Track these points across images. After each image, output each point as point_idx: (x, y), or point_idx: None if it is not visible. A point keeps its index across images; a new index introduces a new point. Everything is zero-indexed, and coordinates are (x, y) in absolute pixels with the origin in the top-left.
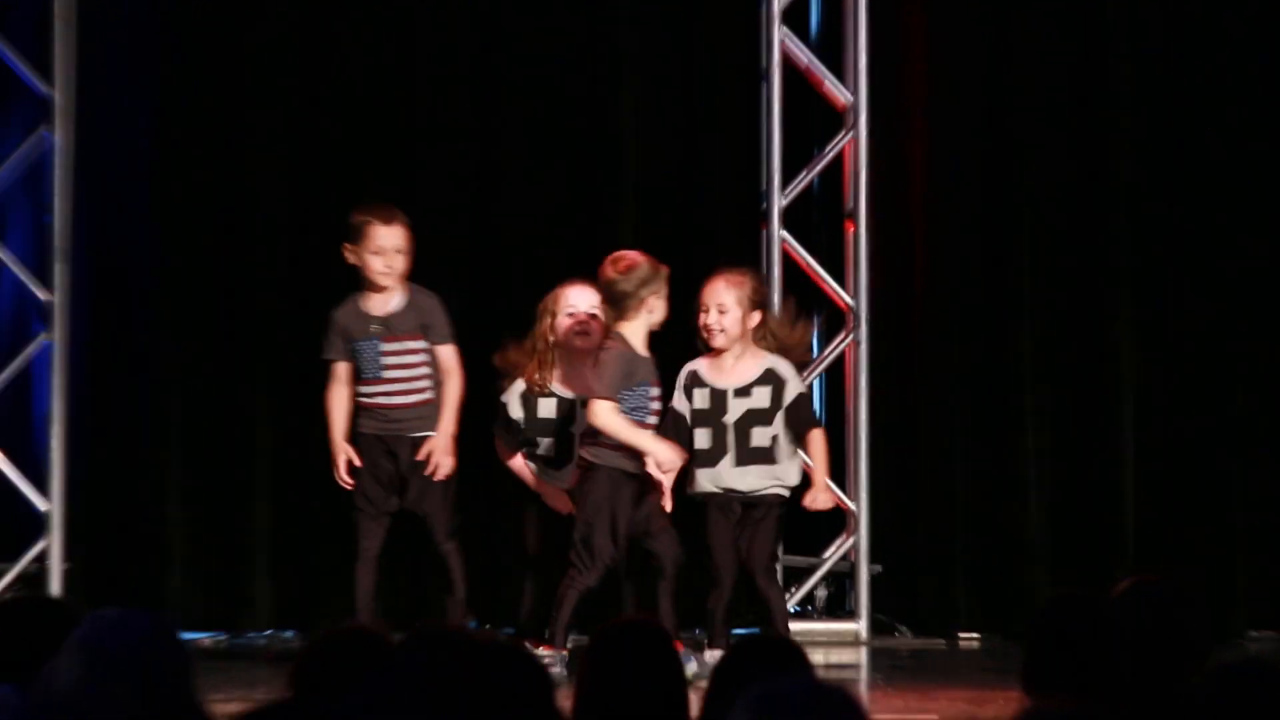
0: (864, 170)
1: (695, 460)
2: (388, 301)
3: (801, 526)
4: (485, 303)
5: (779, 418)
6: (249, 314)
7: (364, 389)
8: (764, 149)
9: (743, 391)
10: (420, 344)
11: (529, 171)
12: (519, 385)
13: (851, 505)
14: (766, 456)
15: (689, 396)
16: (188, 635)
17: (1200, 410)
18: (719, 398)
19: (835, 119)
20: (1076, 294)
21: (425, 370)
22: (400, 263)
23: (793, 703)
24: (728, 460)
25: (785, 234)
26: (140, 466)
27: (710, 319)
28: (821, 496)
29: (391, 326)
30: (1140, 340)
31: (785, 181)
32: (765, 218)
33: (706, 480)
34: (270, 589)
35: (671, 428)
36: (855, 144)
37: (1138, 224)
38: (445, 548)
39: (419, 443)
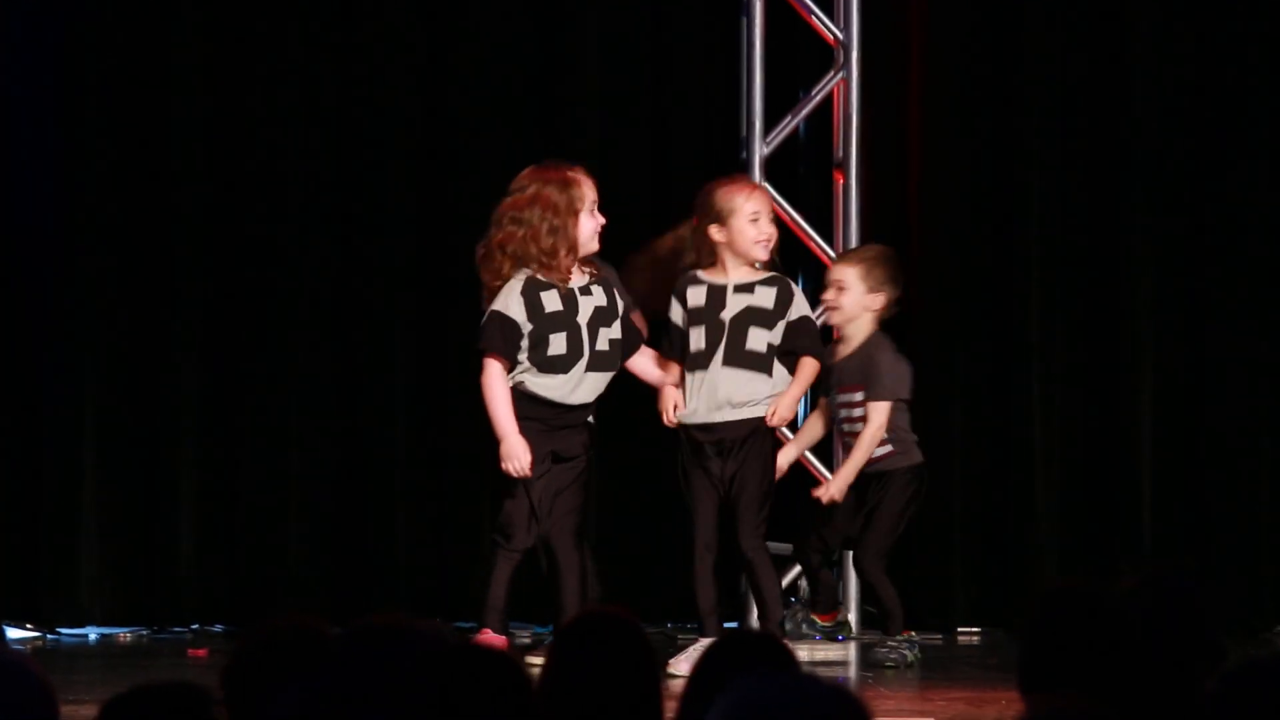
0: (855, 116)
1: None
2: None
3: (788, 512)
4: (436, 262)
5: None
6: (169, 271)
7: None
8: (743, 91)
9: (744, 288)
10: None
11: (483, 118)
12: None
13: None
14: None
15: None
16: (105, 630)
17: (1224, 392)
18: (717, 293)
19: (824, 58)
20: (1089, 254)
21: None
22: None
23: (780, 703)
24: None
25: (768, 185)
26: (50, 445)
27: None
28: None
29: None
30: (1160, 314)
31: (767, 128)
32: (745, 168)
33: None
34: (196, 579)
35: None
36: (846, 86)
37: (1158, 182)
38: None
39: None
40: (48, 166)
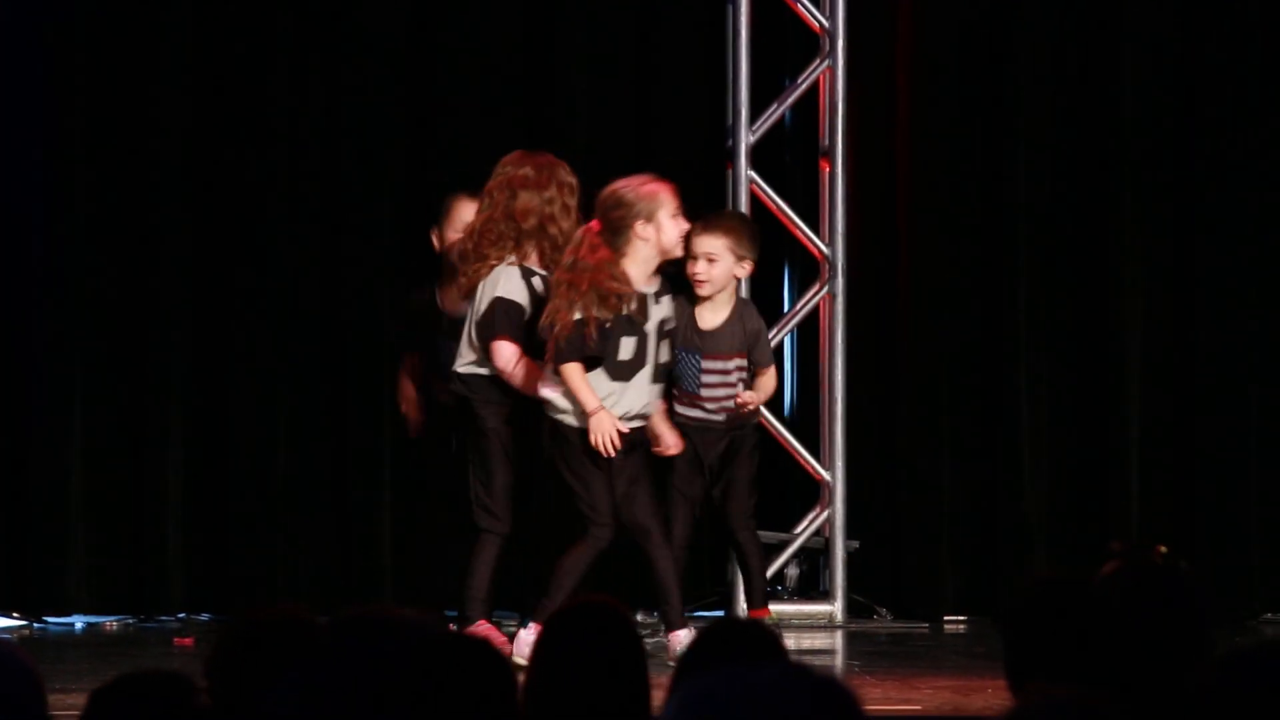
0: (841, 104)
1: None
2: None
3: (772, 499)
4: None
5: None
6: (156, 255)
7: None
8: (729, 79)
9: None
10: None
11: (467, 107)
12: None
13: (826, 475)
14: None
15: None
16: (91, 619)
17: (1211, 381)
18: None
19: (810, 45)
20: (1078, 244)
21: None
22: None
23: (770, 693)
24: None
25: (753, 175)
26: (37, 433)
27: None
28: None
29: None
30: (1148, 300)
31: (753, 116)
32: (731, 156)
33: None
34: (183, 567)
35: None
36: (832, 74)
37: (1147, 170)
38: None
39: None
40: (35, 157)
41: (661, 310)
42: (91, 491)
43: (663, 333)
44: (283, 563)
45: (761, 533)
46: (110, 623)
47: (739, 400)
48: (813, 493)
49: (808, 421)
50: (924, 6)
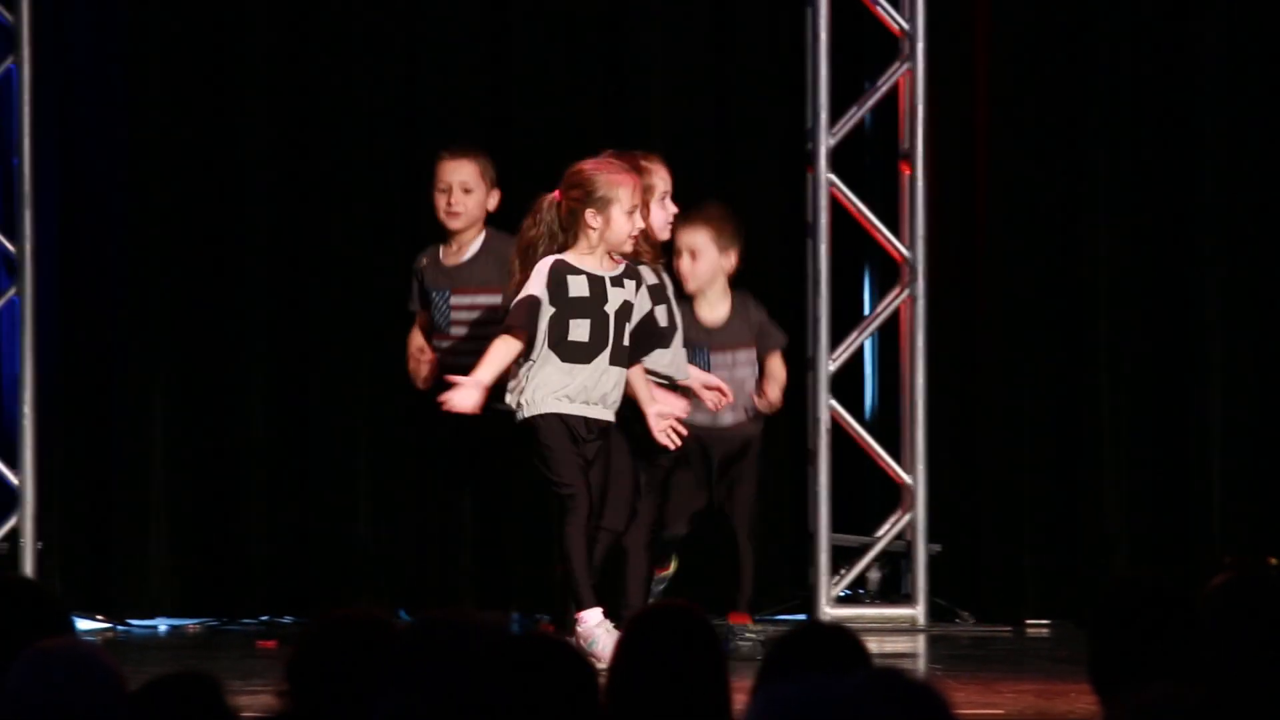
0: (921, 106)
1: None
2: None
3: (853, 503)
4: None
5: None
6: (238, 260)
7: None
8: (809, 82)
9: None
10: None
11: (545, 105)
12: None
13: (907, 478)
14: None
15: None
16: (174, 621)
17: None
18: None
19: (889, 48)
20: (1161, 245)
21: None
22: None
23: (856, 700)
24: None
25: (833, 177)
26: (120, 435)
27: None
28: None
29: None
30: (1230, 302)
31: (833, 119)
32: (811, 159)
33: None
34: (265, 569)
35: None
36: (912, 76)
37: (1229, 167)
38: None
39: None
40: (117, 157)
41: (625, 293)
42: (173, 494)
43: (627, 315)
44: (363, 564)
45: (843, 536)
46: (193, 625)
47: (762, 404)
48: (894, 496)
49: (888, 424)
50: (1003, 7)
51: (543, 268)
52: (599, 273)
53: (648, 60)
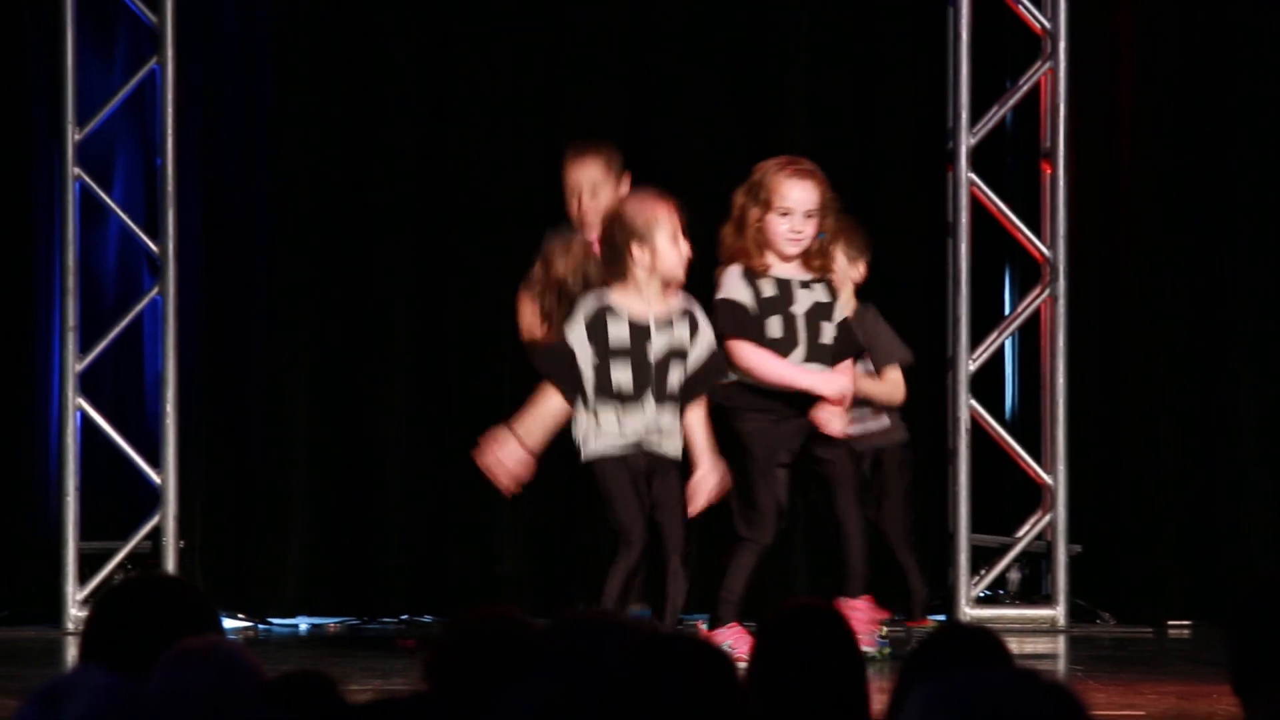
0: (1063, 105)
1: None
2: None
3: (993, 503)
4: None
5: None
6: (380, 259)
7: None
8: (950, 81)
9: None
10: None
11: (689, 104)
12: None
13: (1048, 478)
14: None
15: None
16: (315, 620)
17: None
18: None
19: (1031, 47)
20: None
21: None
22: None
23: (999, 697)
24: None
25: (974, 177)
26: (261, 433)
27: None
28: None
29: None
30: None
31: (974, 118)
32: (952, 159)
33: None
34: (405, 569)
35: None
36: (1054, 75)
37: None
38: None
39: None
40: (260, 157)
41: (669, 337)
42: (314, 493)
43: (675, 356)
44: (502, 565)
45: (983, 536)
46: (333, 624)
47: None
48: (1034, 496)
49: (1029, 425)
50: (1145, 5)
51: (585, 309)
52: (643, 316)
53: (788, 57)
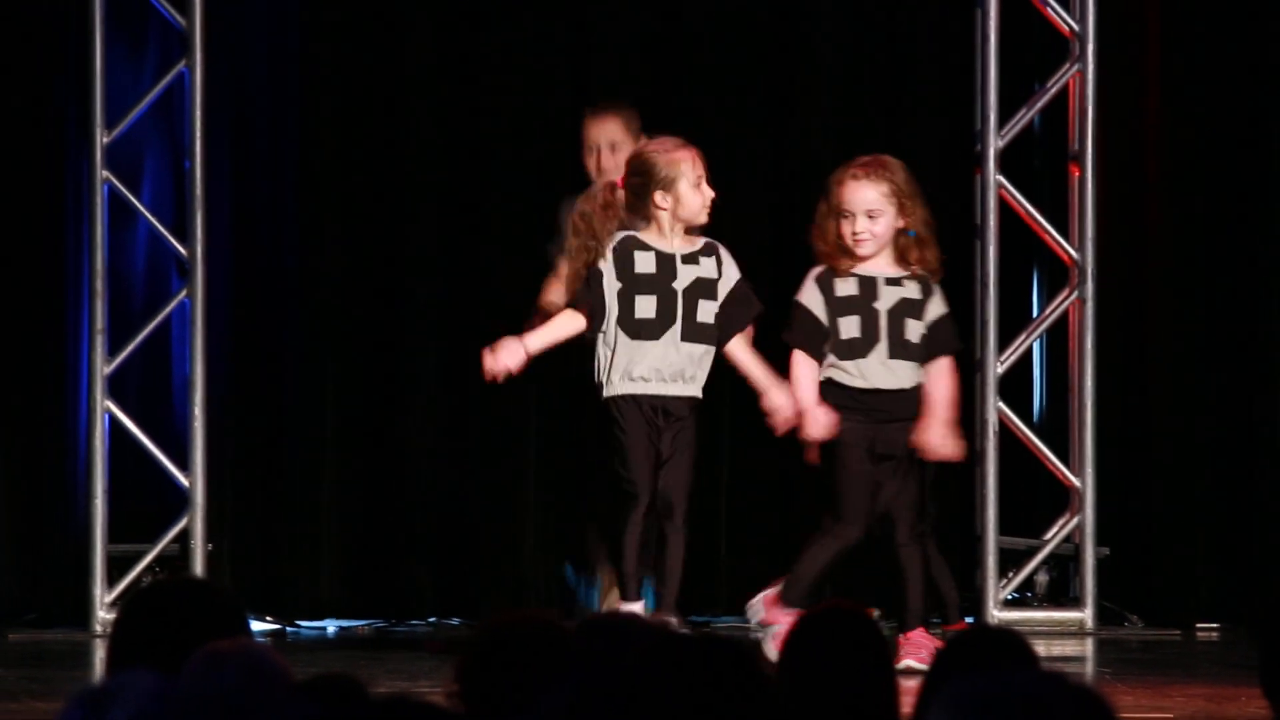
0: (1091, 107)
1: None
2: None
3: (1020, 505)
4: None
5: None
6: (410, 263)
7: None
8: (978, 83)
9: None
10: None
11: (716, 108)
12: None
13: (1076, 481)
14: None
15: None
16: (343, 623)
17: None
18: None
19: (1059, 49)
20: None
21: None
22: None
23: (1026, 700)
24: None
25: (1002, 179)
26: (290, 437)
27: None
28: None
29: None
30: None
31: (1002, 120)
32: (979, 161)
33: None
34: (434, 572)
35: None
36: (1082, 77)
37: None
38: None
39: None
40: (289, 159)
41: (698, 270)
42: (343, 495)
43: (703, 293)
44: (531, 567)
45: (1010, 539)
46: (362, 627)
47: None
48: (1062, 499)
49: (1057, 427)
50: (1175, 7)
51: (613, 241)
52: (669, 250)
53: (815, 58)
